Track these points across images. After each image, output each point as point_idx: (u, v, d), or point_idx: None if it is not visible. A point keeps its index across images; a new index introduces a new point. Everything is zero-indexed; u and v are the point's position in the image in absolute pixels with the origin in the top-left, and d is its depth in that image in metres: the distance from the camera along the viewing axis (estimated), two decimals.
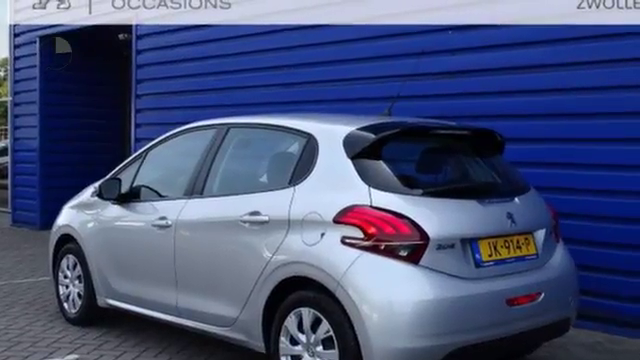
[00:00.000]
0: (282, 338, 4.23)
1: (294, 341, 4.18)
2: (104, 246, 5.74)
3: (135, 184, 5.57)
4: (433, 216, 4.02)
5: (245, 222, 4.49)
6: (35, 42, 12.10)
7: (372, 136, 4.23)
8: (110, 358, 5.17)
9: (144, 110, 10.22)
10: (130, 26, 10.17)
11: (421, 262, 3.88)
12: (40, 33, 11.90)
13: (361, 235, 3.93)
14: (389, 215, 3.93)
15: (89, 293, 5.88)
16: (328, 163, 4.30)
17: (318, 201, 4.18)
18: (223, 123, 5.21)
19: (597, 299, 5.82)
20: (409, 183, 4.13)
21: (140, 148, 6.09)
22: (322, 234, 4.06)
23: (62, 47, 11.82)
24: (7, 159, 13.60)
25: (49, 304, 6.67)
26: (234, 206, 4.64)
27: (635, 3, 5.99)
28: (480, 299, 4.00)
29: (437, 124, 4.91)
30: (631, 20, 5.85)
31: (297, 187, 4.33)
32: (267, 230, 4.36)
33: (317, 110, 6.97)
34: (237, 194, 4.75)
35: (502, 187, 4.68)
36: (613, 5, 5.99)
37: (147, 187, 5.53)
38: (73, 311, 6.07)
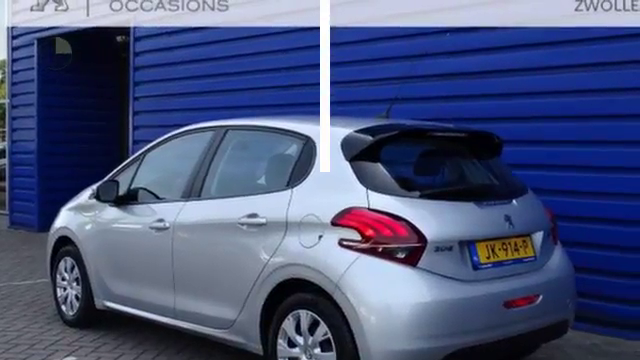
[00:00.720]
0: (280, 340, 4.22)
1: (292, 343, 4.17)
2: (102, 248, 5.73)
3: (133, 186, 5.57)
4: (431, 218, 4.01)
5: (243, 224, 4.49)
6: (33, 44, 12.09)
7: (370, 138, 4.23)
8: None
9: (142, 112, 10.21)
10: (128, 28, 10.16)
11: (419, 264, 3.88)
12: (38, 35, 11.88)
13: (359, 237, 3.92)
14: (387, 217, 3.93)
15: (87, 295, 5.87)
16: None
17: (316, 203, 4.17)
18: (221, 125, 5.20)
19: (595, 301, 5.82)
20: (407, 185, 4.13)
21: (138, 150, 6.08)
22: (320, 236, 4.06)
23: (62, 47, 11.81)
24: (5, 161, 13.58)
25: (47, 306, 6.66)
26: (232, 208, 4.64)
27: (633, 5, 5.99)
28: (478, 301, 4.00)
29: (435, 126, 4.90)
30: (630, 22, 5.84)
31: (295, 189, 4.33)
32: (265, 232, 4.36)
33: (315, 112, 6.95)
34: (235, 196, 4.74)
35: (500, 189, 4.68)
36: (611, 7, 5.99)
37: (145, 189, 5.53)
38: (71, 313, 6.06)
